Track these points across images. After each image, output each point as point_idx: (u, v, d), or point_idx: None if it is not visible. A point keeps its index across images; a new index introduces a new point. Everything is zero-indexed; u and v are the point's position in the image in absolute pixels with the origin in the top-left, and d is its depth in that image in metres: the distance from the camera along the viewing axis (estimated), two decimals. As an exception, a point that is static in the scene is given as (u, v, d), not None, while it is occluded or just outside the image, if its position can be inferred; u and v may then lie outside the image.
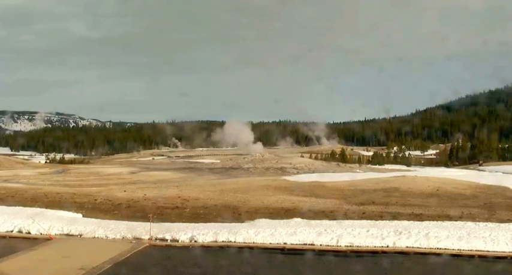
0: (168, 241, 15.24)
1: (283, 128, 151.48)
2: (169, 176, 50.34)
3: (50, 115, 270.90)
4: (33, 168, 65.59)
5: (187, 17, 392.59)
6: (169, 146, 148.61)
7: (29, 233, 16.38)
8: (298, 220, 17.67)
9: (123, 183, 38.79)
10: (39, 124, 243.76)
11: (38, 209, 20.70)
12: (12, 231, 16.68)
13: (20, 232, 16.60)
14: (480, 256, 13.27)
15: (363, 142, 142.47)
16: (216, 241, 14.92)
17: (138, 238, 15.40)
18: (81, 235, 16.07)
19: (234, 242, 14.78)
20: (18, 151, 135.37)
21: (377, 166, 76.94)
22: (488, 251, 13.51)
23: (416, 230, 14.96)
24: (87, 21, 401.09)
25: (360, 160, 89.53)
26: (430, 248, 13.79)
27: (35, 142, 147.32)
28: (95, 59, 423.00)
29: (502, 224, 16.66)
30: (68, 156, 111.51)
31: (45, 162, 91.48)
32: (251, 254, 14.02)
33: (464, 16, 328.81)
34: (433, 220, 17.94)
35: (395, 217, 19.50)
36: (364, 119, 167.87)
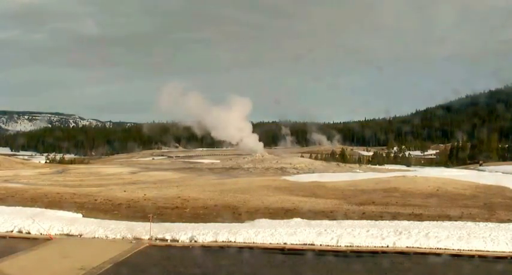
0: (168, 241, 15.25)
1: (283, 128, 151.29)
2: (169, 176, 50.32)
3: (50, 115, 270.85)
4: (33, 168, 65.54)
5: (190, 16, 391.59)
6: (169, 146, 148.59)
7: (29, 233, 16.38)
8: (298, 220, 17.67)
9: (123, 183, 38.77)
10: (39, 124, 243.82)
11: (38, 209, 20.68)
12: (12, 231, 16.68)
13: (20, 232, 16.60)
14: (480, 256, 13.28)
15: (363, 142, 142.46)
16: (216, 241, 14.93)
17: (138, 238, 15.40)
18: (81, 235, 16.07)
19: (234, 242, 14.79)
20: (18, 151, 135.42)
21: (377, 166, 76.91)
22: (488, 251, 13.52)
23: (416, 230, 14.97)
24: (95, 21, 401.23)
25: (360, 160, 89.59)
26: (430, 248, 13.80)
27: (35, 142, 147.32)
28: (96, 58, 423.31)
29: (502, 224, 16.67)
30: (68, 156, 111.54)
31: (45, 162, 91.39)
32: (251, 254, 14.02)
33: (465, 16, 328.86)
34: (433, 220, 17.94)
35: (395, 217, 19.49)
36: (364, 119, 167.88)
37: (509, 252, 13.43)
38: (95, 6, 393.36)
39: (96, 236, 15.86)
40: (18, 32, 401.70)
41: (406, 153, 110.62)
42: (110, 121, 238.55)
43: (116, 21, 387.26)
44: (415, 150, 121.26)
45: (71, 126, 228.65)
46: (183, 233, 15.44)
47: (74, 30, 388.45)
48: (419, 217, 19.51)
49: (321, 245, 14.39)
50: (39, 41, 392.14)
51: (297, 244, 14.54)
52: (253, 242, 14.73)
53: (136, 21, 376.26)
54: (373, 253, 13.82)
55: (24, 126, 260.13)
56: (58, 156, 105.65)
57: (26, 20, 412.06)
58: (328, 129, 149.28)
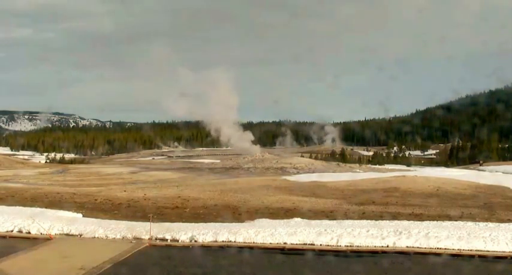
0: (168, 241, 15.25)
1: (283, 128, 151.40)
2: (169, 176, 50.29)
3: (50, 115, 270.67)
4: (33, 168, 65.52)
5: (199, 15, 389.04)
6: (170, 146, 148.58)
7: (29, 233, 16.39)
8: (298, 219, 17.68)
9: (123, 183, 38.76)
10: (39, 124, 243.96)
11: (38, 209, 20.71)
12: (12, 231, 16.69)
13: (20, 231, 16.60)
14: (480, 256, 13.28)
15: (363, 142, 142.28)
16: (216, 241, 14.93)
17: (138, 238, 15.41)
18: (81, 235, 16.07)
19: (234, 242, 14.79)
20: (18, 151, 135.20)
21: (377, 166, 76.74)
22: (488, 251, 13.52)
23: (416, 230, 14.97)
24: (102, 20, 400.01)
25: (360, 160, 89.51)
26: (430, 248, 13.80)
27: (35, 141, 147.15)
28: (97, 58, 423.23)
29: (502, 224, 16.68)
30: (68, 156, 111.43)
31: (45, 162, 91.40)
32: (251, 254, 14.02)
33: (465, 16, 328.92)
34: (433, 220, 17.96)
35: (395, 217, 19.51)
36: (364, 119, 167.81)
37: (509, 252, 13.43)
38: (103, 5, 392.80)
39: (96, 236, 15.86)
40: (30, 31, 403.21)
41: (406, 153, 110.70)
42: (110, 121, 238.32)
43: (123, 21, 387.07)
44: (415, 150, 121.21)
45: (71, 126, 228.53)
46: (183, 233, 15.44)
47: (80, 29, 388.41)
48: (419, 217, 19.53)
49: (321, 245, 14.40)
50: (49, 40, 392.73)
51: (297, 244, 14.54)
52: (253, 242, 14.74)
53: (141, 20, 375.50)
54: (373, 253, 13.82)
55: (24, 126, 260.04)
56: (58, 156, 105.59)
57: (39, 19, 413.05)
58: (328, 129, 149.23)
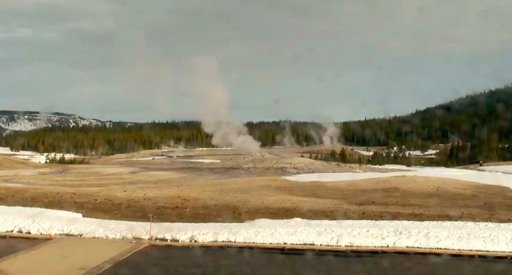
0: (168, 241, 15.26)
1: (283, 128, 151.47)
2: (169, 176, 50.28)
3: (50, 115, 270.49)
4: (33, 168, 65.53)
5: (202, 15, 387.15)
6: (170, 146, 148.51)
7: (29, 233, 16.40)
8: (298, 219, 17.68)
9: (123, 183, 38.75)
10: (39, 124, 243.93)
11: (38, 209, 20.70)
12: (12, 231, 16.70)
13: (20, 232, 16.61)
14: (480, 256, 13.29)
15: (363, 142, 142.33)
16: (216, 241, 14.93)
17: (138, 238, 15.41)
18: (81, 235, 16.08)
19: (234, 242, 14.80)
20: (18, 151, 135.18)
21: (377, 166, 76.72)
22: (488, 251, 13.53)
23: (416, 230, 14.98)
24: (105, 20, 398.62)
25: (360, 160, 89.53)
26: (430, 248, 13.81)
27: (35, 141, 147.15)
28: (97, 58, 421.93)
29: (502, 224, 16.69)
30: (68, 156, 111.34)
31: (45, 162, 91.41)
32: (251, 254, 14.03)
33: (465, 15, 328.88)
34: (433, 220, 17.97)
35: (395, 217, 19.51)
36: (364, 119, 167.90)
37: (509, 252, 13.44)
38: (104, 5, 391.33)
39: (96, 236, 15.87)
40: (31, 31, 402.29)
41: (406, 153, 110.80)
42: (110, 121, 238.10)
43: (123, 21, 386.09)
44: (415, 150, 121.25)
45: (71, 126, 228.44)
46: (183, 233, 15.44)
47: (80, 29, 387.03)
48: (419, 217, 19.54)
49: (321, 245, 14.40)
50: (49, 40, 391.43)
51: (297, 244, 14.55)
52: (253, 242, 14.75)
53: (141, 20, 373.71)
54: (373, 253, 13.82)
55: (24, 126, 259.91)
56: (58, 156, 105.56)
57: (40, 19, 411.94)
58: (328, 129, 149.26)
